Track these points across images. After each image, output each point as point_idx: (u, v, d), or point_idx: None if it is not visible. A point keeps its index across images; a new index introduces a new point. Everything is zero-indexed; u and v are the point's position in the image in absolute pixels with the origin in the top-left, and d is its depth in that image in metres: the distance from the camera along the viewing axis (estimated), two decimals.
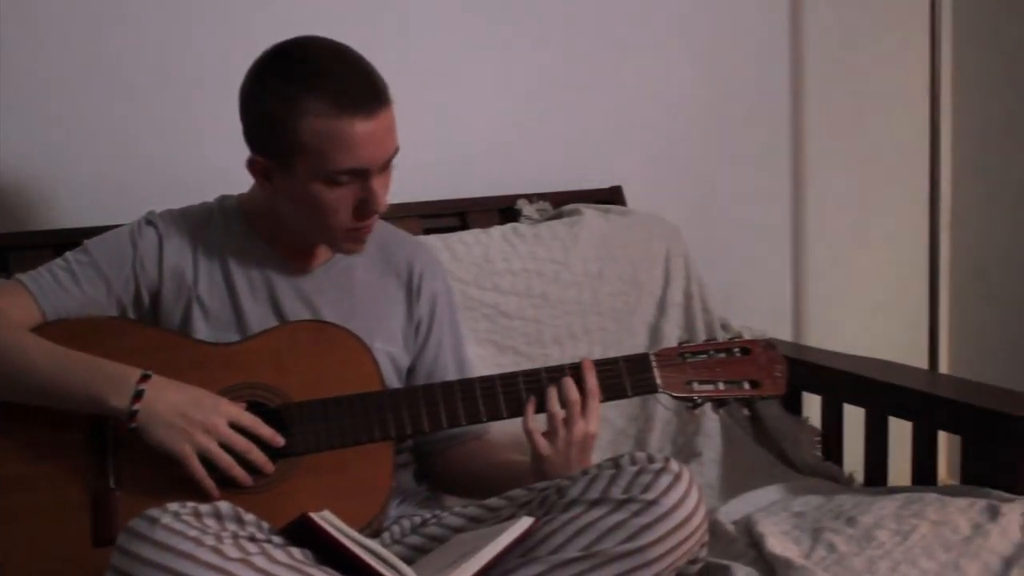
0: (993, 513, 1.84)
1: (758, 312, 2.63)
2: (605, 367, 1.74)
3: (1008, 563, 1.73)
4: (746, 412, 2.35)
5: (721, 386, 1.76)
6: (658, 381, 1.74)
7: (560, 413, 1.70)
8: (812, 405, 2.36)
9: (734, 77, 2.71)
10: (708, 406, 1.79)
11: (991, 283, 2.96)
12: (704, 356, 1.77)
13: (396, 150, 1.70)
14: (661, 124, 2.64)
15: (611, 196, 2.50)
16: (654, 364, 1.75)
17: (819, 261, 2.85)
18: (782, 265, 2.83)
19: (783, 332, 2.73)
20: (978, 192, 2.96)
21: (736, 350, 1.78)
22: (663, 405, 2.26)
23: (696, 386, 1.75)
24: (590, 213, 2.37)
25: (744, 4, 2.71)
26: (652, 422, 2.28)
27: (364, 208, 1.69)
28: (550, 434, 1.70)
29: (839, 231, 2.86)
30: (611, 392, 1.74)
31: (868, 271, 2.90)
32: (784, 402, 2.34)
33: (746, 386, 1.77)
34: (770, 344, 1.80)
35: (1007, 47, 2.87)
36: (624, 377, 1.74)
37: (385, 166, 1.69)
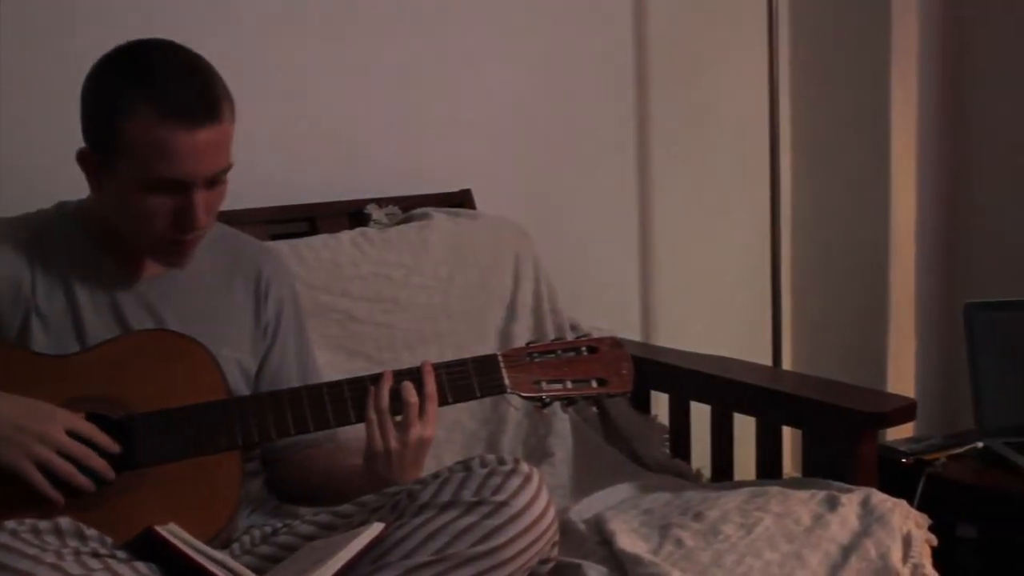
0: (833, 504, 1.90)
1: (607, 313, 2.66)
2: (453, 369, 1.74)
3: (847, 551, 1.79)
4: (595, 410, 2.38)
5: (569, 385, 1.77)
6: (506, 382, 1.75)
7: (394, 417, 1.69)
8: (660, 403, 2.40)
9: (579, 78, 2.74)
10: (557, 405, 1.80)
11: (831, 281, 3.04)
12: (552, 356, 1.78)
13: (226, 167, 1.65)
14: (509, 127, 2.66)
15: (460, 199, 2.51)
16: (502, 365, 1.75)
17: (665, 262, 2.90)
18: (630, 266, 2.87)
19: (631, 332, 2.76)
20: (818, 192, 3.04)
21: (583, 349, 1.79)
22: (514, 407, 2.28)
23: (544, 385, 1.76)
24: (439, 217, 2.38)
25: (588, 4, 2.74)
26: (504, 424, 2.29)
27: (182, 221, 1.64)
28: (385, 435, 1.69)
29: (684, 232, 2.92)
30: (460, 393, 1.74)
31: (713, 271, 2.96)
32: (633, 401, 2.38)
33: (594, 384, 1.78)
34: (616, 342, 1.82)
35: (844, 48, 2.96)
36: (472, 378, 1.74)
37: (212, 182, 1.64)
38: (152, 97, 1.58)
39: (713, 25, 2.91)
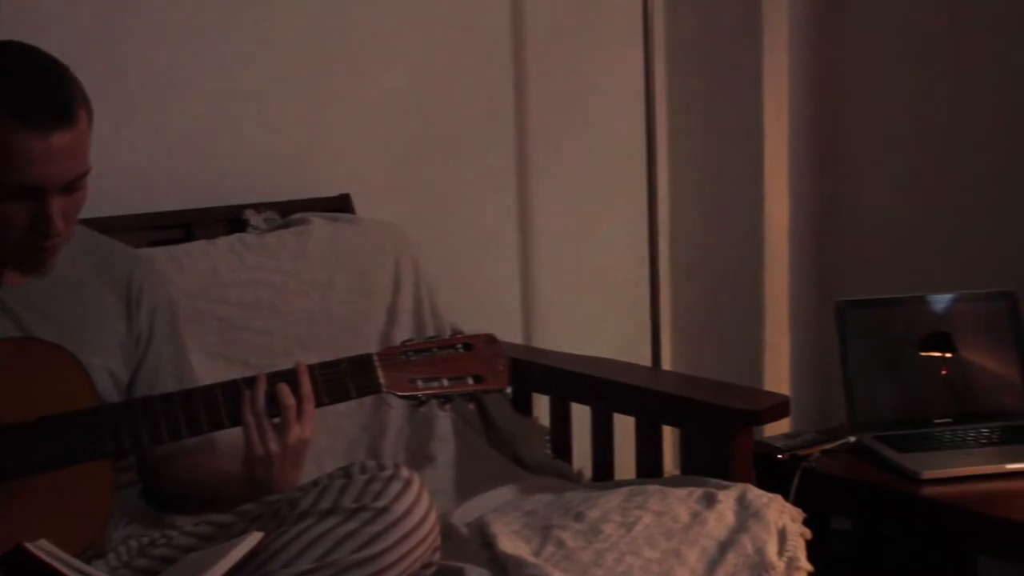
0: (710, 500, 1.93)
1: (488, 316, 2.66)
2: (328, 369, 1.72)
3: (724, 547, 1.82)
4: (472, 407, 2.38)
5: (445, 382, 1.76)
6: (382, 381, 1.72)
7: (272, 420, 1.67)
8: (541, 405, 2.42)
9: (458, 83, 2.74)
10: (435, 404, 1.79)
11: (708, 283, 3.09)
12: (427, 354, 1.76)
13: (83, 172, 1.61)
14: (388, 131, 2.65)
15: (339, 204, 2.49)
16: (377, 364, 1.73)
17: (546, 264, 2.92)
18: (510, 269, 2.88)
19: (513, 335, 2.78)
20: (694, 195, 3.09)
21: (459, 346, 1.79)
22: (391, 407, 2.27)
23: (421, 384, 1.75)
24: (318, 222, 2.36)
25: (465, 9, 2.75)
26: (385, 430, 2.28)
27: (39, 228, 1.60)
28: (264, 439, 1.66)
29: (564, 235, 2.94)
30: (335, 394, 1.72)
31: (593, 274, 2.98)
32: (514, 403, 2.39)
33: (470, 381, 1.78)
34: (491, 339, 1.82)
35: (718, 54, 3.01)
36: (347, 378, 1.72)
37: (69, 187, 1.60)
38: (2, 101, 1.54)
39: (589, 31, 2.94)
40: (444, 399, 1.77)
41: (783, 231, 3.02)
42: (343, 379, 1.72)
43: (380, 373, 1.73)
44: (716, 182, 3.05)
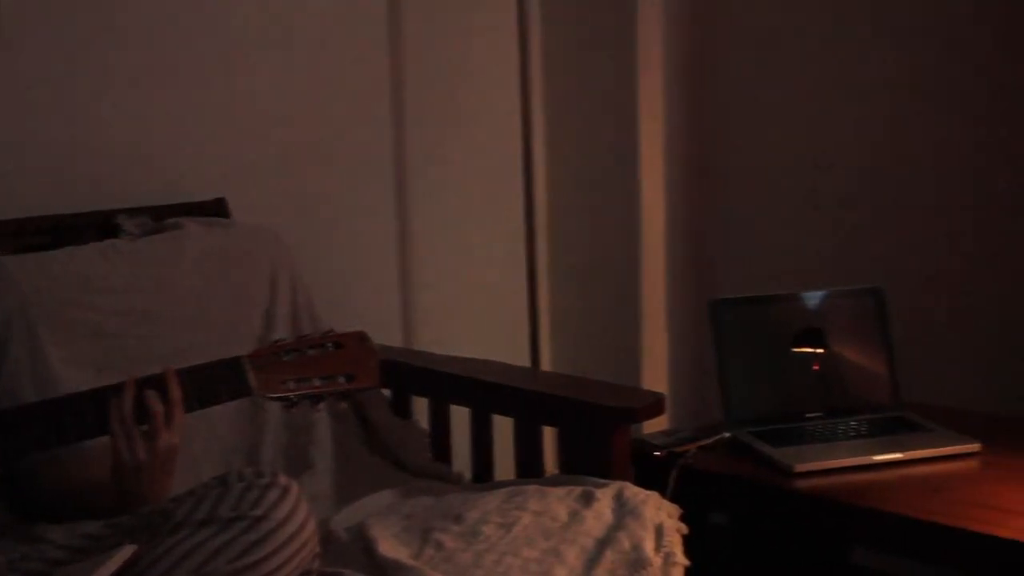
0: (588, 499, 1.95)
1: (368, 319, 2.63)
2: (197, 374, 1.69)
3: (602, 544, 1.84)
4: (344, 406, 2.35)
5: (317, 382, 1.74)
6: (253, 383, 1.70)
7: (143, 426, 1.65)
8: (421, 408, 2.42)
9: (335, 87, 2.73)
10: (307, 404, 1.77)
11: (586, 283, 3.12)
12: (298, 354, 1.74)
13: None
14: (264, 134, 2.62)
15: (214, 208, 2.46)
16: (248, 366, 1.70)
17: (425, 267, 2.92)
18: (389, 273, 2.88)
19: (392, 338, 2.77)
20: (571, 198, 3.11)
21: (329, 345, 1.77)
22: (265, 410, 2.25)
23: (292, 385, 1.72)
24: (192, 226, 2.33)
25: (342, 13, 2.73)
26: (263, 436, 2.26)
27: None
28: (132, 447, 1.64)
29: (442, 237, 2.94)
30: (205, 398, 1.69)
31: (472, 275, 2.99)
32: (393, 406, 2.39)
33: (342, 380, 1.76)
34: (363, 337, 1.80)
35: (594, 59, 3.04)
36: (217, 382, 1.69)
37: None
38: None
39: (466, 36, 2.95)
40: (316, 399, 1.75)
41: (659, 232, 3.07)
42: (213, 383, 1.69)
43: (251, 375, 1.70)
44: (593, 183, 3.08)
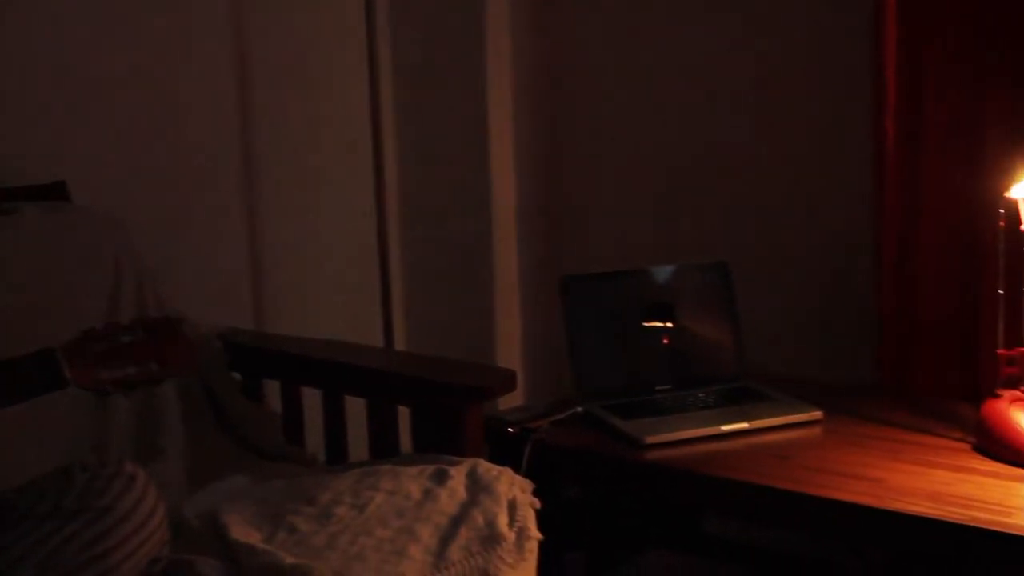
0: (442, 477, 1.96)
1: (218, 303, 2.63)
2: (8, 371, 1.62)
3: (456, 521, 1.85)
4: (196, 390, 2.31)
5: (131, 369, 1.70)
6: (67, 375, 1.63)
7: None
8: (274, 390, 2.40)
9: (179, 69, 2.67)
10: (124, 393, 1.71)
11: (439, 263, 3.12)
12: (110, 341, 1.69)
13: None
14: (106, 116, 2.55)
15: (53, 192, 2.38)
16: (62, 358, 1.64)
17: (276, 249, 2.87)
18: (239, 256, 2.83)
19: (244, 322, 2.73)
20: (423, 178, 3.11)
21: (140, 330, 1.72)
22: (111, 396, 2.20)
23: (105, 373, 1.66)
24: (31, 211, 2.25)
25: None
26: (110, 424, 2.20)
27: None
28: None
29: (293, 219, 2.90)
30: (17, 394, 1.63)
31: (324, 256, 2.96)
32: (245, 390, 2.36)
33: (154, 366, 1.72)
34: (175, 321, 1.75)
35: (443, 47, 3.04)
36: (31, 376, 1.63)
37: None
38: None
39: (314, 29, 2.91)
40: (129, 387, 1.70)
41: (510, 210, 3.09)
42: (26, 377, 1.63)
43: (65, 366, 1.64)
44: (443, 162, 3.09)
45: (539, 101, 3.13)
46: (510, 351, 3.09)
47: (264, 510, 1.91)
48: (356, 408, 2.27)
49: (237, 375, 2.37)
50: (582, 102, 3.11)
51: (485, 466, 1.98)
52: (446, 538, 1.82)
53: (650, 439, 2.26)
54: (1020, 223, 2.15)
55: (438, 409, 2.12)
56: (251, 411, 2.35)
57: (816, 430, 2.35)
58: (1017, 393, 2.16)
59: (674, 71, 2.95)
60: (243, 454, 2.30)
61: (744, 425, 2.33)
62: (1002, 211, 2.18)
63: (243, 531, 1.82)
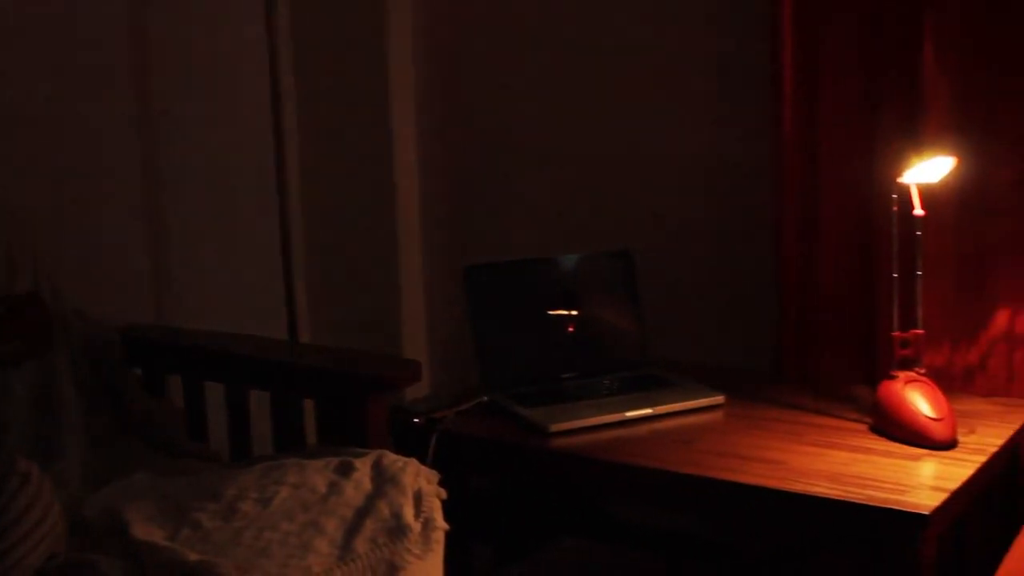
0: (347, 469, 1.95)
1: (118, 296, 2.59)
2: None
3: (361, 514, 1.85)
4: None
5: None
6: None
7: None
8: (176, 386, 2.37)
9: (70, 56, 2.61)
10: None
11: (344, 255, 3.10)
12: None
13: None
14: (3, 109, 2.49)
15: None
16: None
17: (177, 241, 2.83)
18: (139, 247, 2.78)
19: (145, 315, 2.69)
20: (324, 166, 3.09)
21: (1, 309, 1.67)
22: (12, 394, 2.15)
23: None
24: None
25: None
26: (8, 425, 2.15)
27: None
28: None
29: (194, 210, 2.86)
30: None
31: (228, 249, 2.92)
32: (146, 385, 2.33)
33: (17, 343, 1.67)
34: (35, 298, 1.73)
35: (343, 34, 3.02)
36: None
37: None
38: None
39: (212, 17, 2.88)
40: None
41: (414, 200, 3.08)
42: None
43: None
44: (347, 154, 3.06)
45: (442, 93, 3.11)
46: (417, 341, 3.09)
47: (167, 507, 1.89)
48: (262, 401, 2.25)
49: (138, 371, 2.33)
50: (484, 93, 3.10)
51: (391, 457, 1.98)
52: (352, 530, 1.82)
53: (555, 427, 2.27)
54: (913, 208, 2.20)
55: (342, 401, 2.11)
56: (153, 407, 2.31)
57: (719, 414, 2.38)
58: (912, 374, 2.20)
59: (573, 63, 2.96)
60: (145, 451, 2.27)
61: (648, 411, 2.35)
62: (895, 196, 2.22)
63: (145, 529, 1.79)
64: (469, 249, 3.09)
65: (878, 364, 2.47)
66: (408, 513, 1.86)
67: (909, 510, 1.85)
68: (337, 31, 3.04)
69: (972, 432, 2.18)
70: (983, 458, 2.07)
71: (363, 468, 1.95)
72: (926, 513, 1.84)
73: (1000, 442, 2.15)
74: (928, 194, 2.22)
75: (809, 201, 2.57)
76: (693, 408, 2.38)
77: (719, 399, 2.41)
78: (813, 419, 2.30)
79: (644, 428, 2.31)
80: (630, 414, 2.34)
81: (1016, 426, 2.23)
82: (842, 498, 1.92)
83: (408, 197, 3.06)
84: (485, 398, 2.42)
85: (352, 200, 3.07)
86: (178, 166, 2.82)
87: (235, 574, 1.65)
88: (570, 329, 2.59)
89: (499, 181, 3.12)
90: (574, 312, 2.59)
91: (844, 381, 2.50)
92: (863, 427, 2.23)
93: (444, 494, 1.96)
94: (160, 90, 2.78)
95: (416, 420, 2.34)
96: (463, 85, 3.12)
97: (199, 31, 2.86)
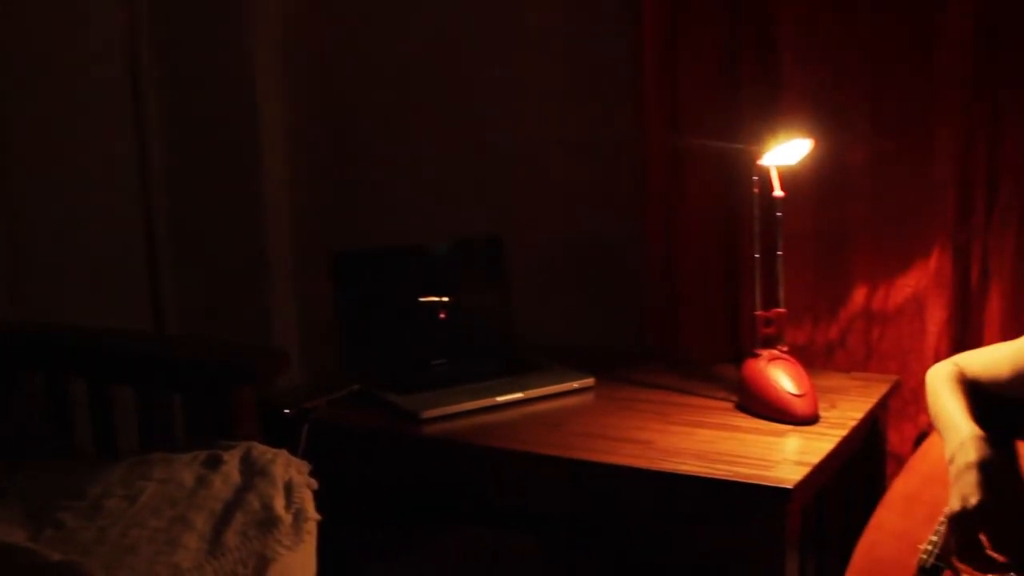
0: (215, 463, 1.92)
1: None
2: None
3: (230, 507, 1.83)
4: None
5: None
6: None
7: None
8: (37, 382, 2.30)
9: None
10: None
11: (209, 242, 3.04)
12: None
13: None
14: None
15: None
16: None
17: (35, 231, 2.75)
18: None
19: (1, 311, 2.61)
20: (189, 153, 3.02)
21: None
22: None
23: None
24: None
25: None
26: None
27: None
28: None
29: (53, 198, 2.75)
30: None
31: (88, 239, 2.83)
32: (3, 383, 2.26)
33: None
34: None
35: (203, 28, 2.97)
36: None
37: None
38: None
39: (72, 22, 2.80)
40: None
41: (283, 186, 3.04)
42: None
43: None
44: (213, 138, 3.01)
45: (310, 80, 3.08)
46: (288, 330, 3.05)
47: (28, 507, 1.84)
48: (129, 395, 2.20)
49: None
50: (353, 80, 3.08)
51: (260, 449, 1.96)
52: (221, 524, 1.79)
53: (427, 413, 2.27)
54: (772, 189, 2.25)
55: (209, 393, 2.07)
56: (12, 405, 2.25)
57: (589, 396, 2.40)
58: (775, 352, 2.25)
59: (438, 51, 2.95)
60: (4, 451, 2.21)
61: (519, 395, 2.36)
62: (755, 178, 2.27)
63: (5, 530, 1.75)
64: (342, 237, 3.07)
65: (743, 343, 2.52)
66: (279, 505, 1.84)
67: (773, 484, 1.90)
68: (201, 17, 2.98)
69: (833, 407, 2.24)
70: (844, 432, 2.13)
71: (232, 461, 1.92)
72: (789, 487, 1.89)
73: (860, 416, 2.21)
74: (788, 176, 2.27)
75: (673, 184, 2.61)
76: (563, 391, 2.40)
77: (589, 381, 2.43)
78: (681, 399, 2.34)
79: (515, 412, 2.32)
80: (501, 399, 2.35)
81: (874, 400, 2.30)
82: (709, 475, 1.96)
83: (277, 183, 3.01)
84: (356, 387, 2.40)
85: (219, 188, 3.01)
86: (33, 151, 2.73)
87: (100, 573, 1.62)
88: (440, 315, 2.59)
89: (372, 169, 3.10)
90: (444, 298, 2.59)
91: (711, 360, 2.55)
92: (729, 405, 2.28)
93: (315, 484, 1.94)
94: (12, 80, 2.70)
95: (286, 411, 2.31)
96: (333, 71, 3.09)
97: (57, 19, 2.77)
